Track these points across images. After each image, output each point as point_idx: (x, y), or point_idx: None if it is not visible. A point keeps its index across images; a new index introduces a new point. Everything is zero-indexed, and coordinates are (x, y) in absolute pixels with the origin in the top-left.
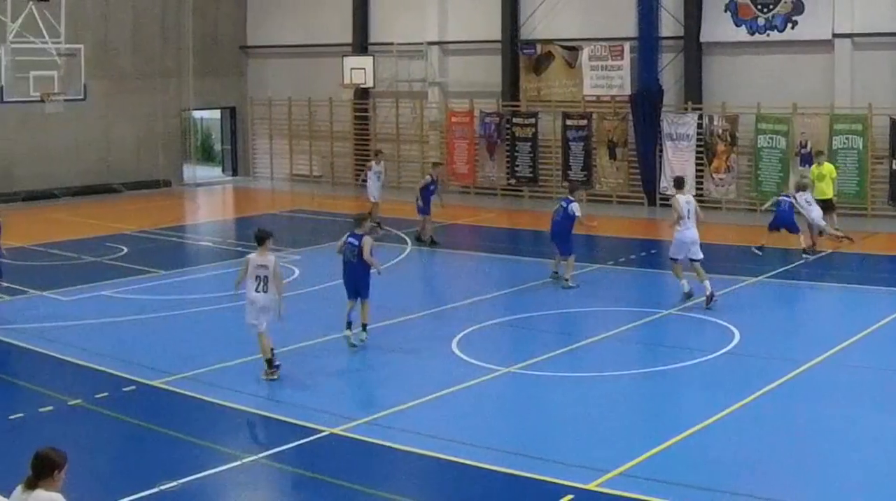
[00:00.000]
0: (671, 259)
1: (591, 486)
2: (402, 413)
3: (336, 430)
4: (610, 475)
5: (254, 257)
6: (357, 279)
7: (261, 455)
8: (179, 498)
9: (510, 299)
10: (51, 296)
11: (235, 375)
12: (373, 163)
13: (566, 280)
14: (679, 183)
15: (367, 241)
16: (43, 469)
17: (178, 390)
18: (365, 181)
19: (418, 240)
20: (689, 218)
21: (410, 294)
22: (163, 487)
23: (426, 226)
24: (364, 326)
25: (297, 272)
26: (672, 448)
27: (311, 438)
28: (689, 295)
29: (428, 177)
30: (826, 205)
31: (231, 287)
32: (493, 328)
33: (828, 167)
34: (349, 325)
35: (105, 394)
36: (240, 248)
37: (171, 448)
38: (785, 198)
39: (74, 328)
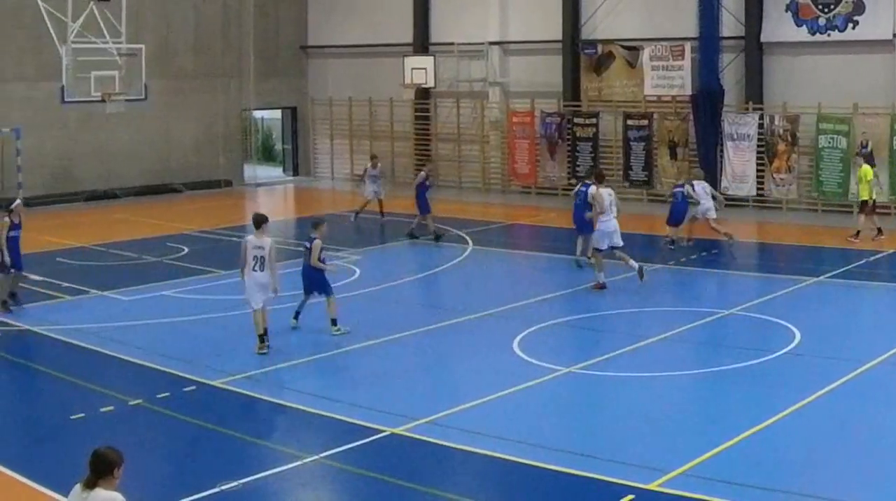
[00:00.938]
0: (596, 250)
1: (652, 486)
2: (463, 413)
3: (397, 430)
4: (671, 475)
5: (251, 239)
6: (311, 279)
7: (321, 454)
8: (240, 499)
9: (571, 299)
10: (112, 296)
11: (296, 375)
12: (368, 166)
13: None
14: (600, 177)
15: (316, 246)
16: (102, 468)
17: (238, 390)
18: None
19: (411, 236)
20: (610, 209)
21: (471, 294)
22: (223, 487)
23: (428, 222)
24: (333, 321)
25: (357, 272)
26: (733, 449)
27: (372, 438)
28: (602, 287)
29: (423, 174)
30: (860, 207)
31: (288, 287)
32: (553, 328)
33: (864, 170)
34: (297, 315)
35: (166, 394)
36: (300, 249)
37: (232, 448)
38: (678, 190)
39: (135, 328)
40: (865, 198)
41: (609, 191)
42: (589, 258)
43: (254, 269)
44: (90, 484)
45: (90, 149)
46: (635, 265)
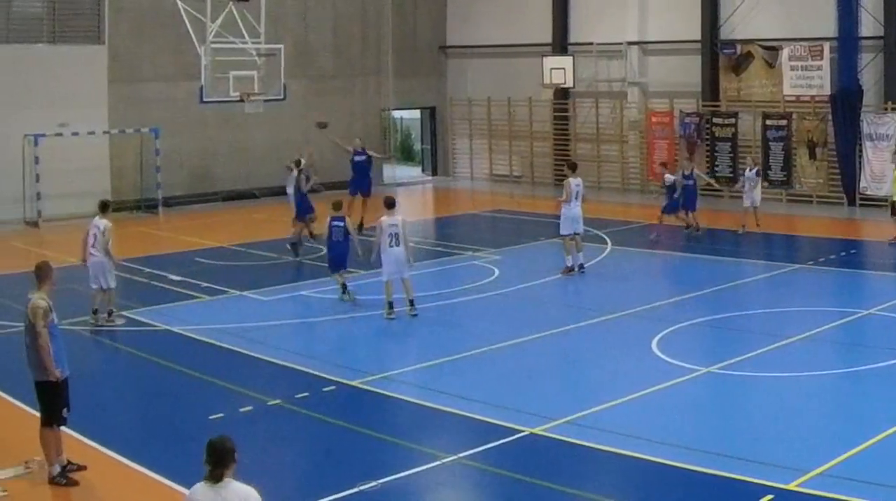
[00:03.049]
0: (563, 235)
1: (791, 486)
2: (602, 412)
3: (536, 430)
4: (810, 475)
5: (386, 219)
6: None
7: (460, 454)
8: (379, 498)
9: (710, 299)
10: (251, 296)
11: (435, 375)
12: (294, 170)
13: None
14: (573, 167)
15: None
16: (226, 457)
17: (377, 390)
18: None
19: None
20: (576, 198)
21: (610, 294)
22: (363, 487)
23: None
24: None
25: (496, 272)
26: (872, 449)
27: (511, 438)
28: (571, 270)
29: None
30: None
31: (428, 287)
32: (692, 328)
33: None
34: (345, 288)
35: (305, 394)
36: (440, 248)
37: (371, 449)
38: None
39: (274, 328)
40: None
41: (578, 180)
42: (697, 230)
43: (390, 245)
44: (218, 477)
45: (229, 149)
46: (581, 257)
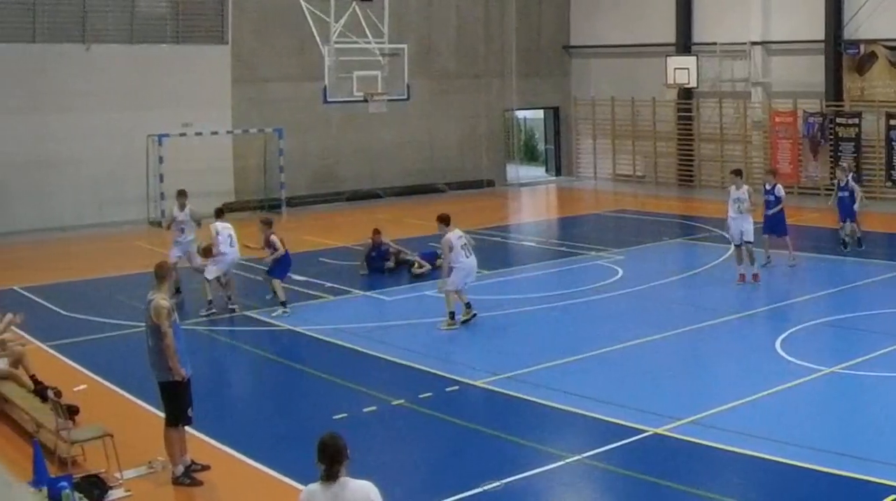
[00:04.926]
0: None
1: None
2: (726, 412)
3: (660, 430)
4: None
5: (451, 235)
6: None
7: (584, 455)
8: (502, 499)
9: (834, 299)
10: (374, 296)
11: (558, 375)
12: (175, 208)
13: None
14: (739, 173)
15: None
16: (339, 454)
17: (501, 390)
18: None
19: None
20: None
21: (734, 294)
22: (486, 487)
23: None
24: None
25: (620, 272)
26: None
27: (635, 438)
28: (745, 278)
29: (369, 242)
30: None
31: (552, 287)
32: (816, 328)
33: None
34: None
35: (428, 394)
36: (563, 248)
37: (494, 448)
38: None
39: (398, 328)
40: None
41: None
42: (847, 243)
43: (466, 257)
44: (335, 476)
45: (352, 148)
46: (756, 269)
